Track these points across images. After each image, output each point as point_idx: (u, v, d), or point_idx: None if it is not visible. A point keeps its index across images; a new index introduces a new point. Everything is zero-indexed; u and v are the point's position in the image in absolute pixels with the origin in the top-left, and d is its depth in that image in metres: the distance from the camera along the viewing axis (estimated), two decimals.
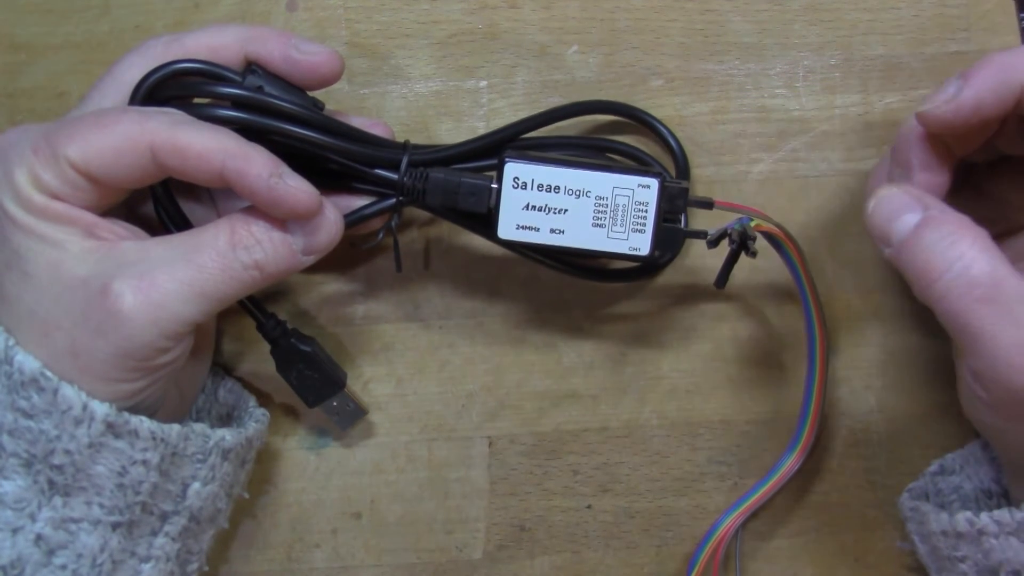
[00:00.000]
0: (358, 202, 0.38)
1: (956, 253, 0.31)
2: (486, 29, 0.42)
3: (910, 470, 0.41)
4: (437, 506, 0.43)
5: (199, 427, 0.35)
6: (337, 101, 0.42)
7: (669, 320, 0.42)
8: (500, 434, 0.43)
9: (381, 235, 0.39)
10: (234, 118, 0.35)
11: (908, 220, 0.32)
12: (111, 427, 0.32)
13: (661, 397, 0.42)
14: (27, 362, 0.32)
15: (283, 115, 0.35)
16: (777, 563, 0.42)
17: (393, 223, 0.39)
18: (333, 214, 0.35)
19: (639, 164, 0.40)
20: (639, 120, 0.41)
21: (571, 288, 0.42)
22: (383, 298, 0.42)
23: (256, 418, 0.39)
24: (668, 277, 0.42)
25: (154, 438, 0.33)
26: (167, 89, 0.35)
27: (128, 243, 0.34)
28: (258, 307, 0.39)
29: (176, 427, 0.34)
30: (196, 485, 0.36)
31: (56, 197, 0.32)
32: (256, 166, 0.33)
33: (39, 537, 0.33)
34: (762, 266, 0.42)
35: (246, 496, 0.40)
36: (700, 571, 0.40)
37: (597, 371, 0.42)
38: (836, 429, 0.42)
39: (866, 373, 0.42)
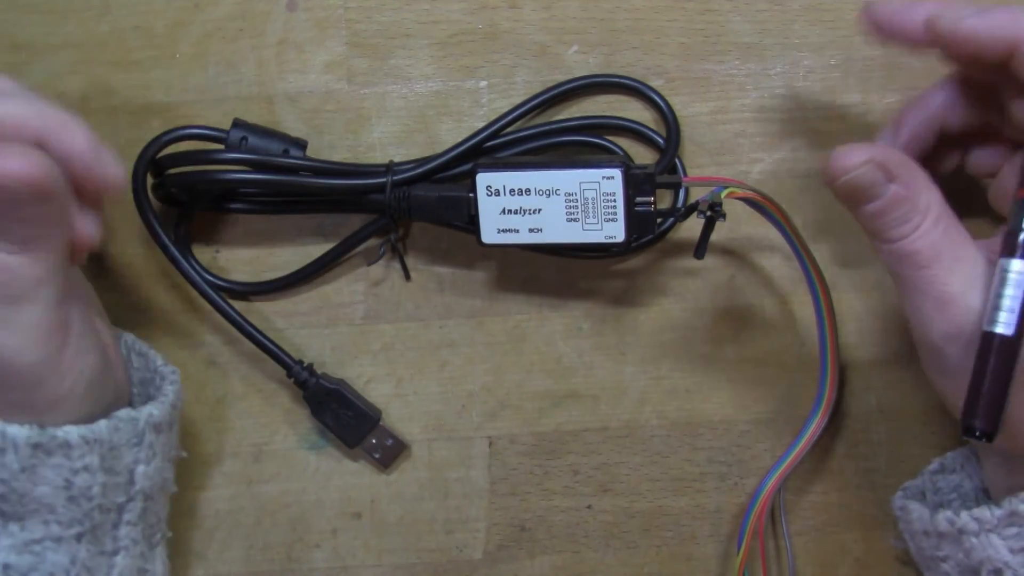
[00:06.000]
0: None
1: (911, 227, 0.33)
2: (486, 29, 0.42)
3: (910, 470, 0.41)
4: (437, 506, 0.43)
5: (124, 413, 0.35)
6: (337, 101, 0.42)
7: (669, 320, 0.42)
8: (500, 434, 0.43)
9: (383, 251, 0.41)
10: (251, 180, 0.39)
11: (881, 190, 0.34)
12: (38, 447, 0.32)
13: (661, 397, 0.42)
14: None
15: (281, 169, 0.39)
16: (777, 562, 0.42)
17: (392, 239, 0.41)
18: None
19: (608, 139, 0.41)
20: (620, 86, 0.41)
21: (571, 288, 0.42)
22: (383, 298, 0.42)
23: (170, 379, 0.38)
24: (668, 277, 0.42)
25: (87, 442, 0.33)
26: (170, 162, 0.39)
27: None
28: (286, 354, 0.40)
29: (103, 422, 0.34)
30: (141, 467, 0.35)
31: None
32: (77, 132, 0.32)
33: (6, 566, 0.32)
34: (763, 266, 0.42)
35: (184, 455, 0.39)
36: (750, 531, 0.40)
37: (597, 371, 0.42)
38: (836, 429, 0.42)
39: (866, 373, 0.42)
